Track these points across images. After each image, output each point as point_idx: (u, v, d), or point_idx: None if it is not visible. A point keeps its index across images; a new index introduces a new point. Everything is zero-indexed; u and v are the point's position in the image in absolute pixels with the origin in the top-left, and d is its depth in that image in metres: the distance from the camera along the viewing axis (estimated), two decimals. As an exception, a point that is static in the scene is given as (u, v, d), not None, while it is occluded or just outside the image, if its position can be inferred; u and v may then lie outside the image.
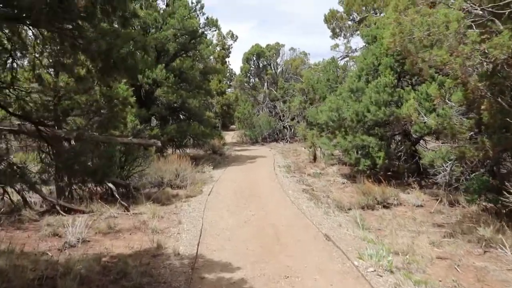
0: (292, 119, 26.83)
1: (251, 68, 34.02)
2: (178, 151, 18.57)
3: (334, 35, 16.38)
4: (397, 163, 11.32)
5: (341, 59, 16.14)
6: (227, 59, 35.79)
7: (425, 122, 8.04)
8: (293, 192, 9.97)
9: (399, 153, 11.56)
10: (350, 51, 16.17)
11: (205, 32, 16.49)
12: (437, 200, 9.39)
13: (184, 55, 16.08)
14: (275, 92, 30.76)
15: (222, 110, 27.94)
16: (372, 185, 9.45)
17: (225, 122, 38.30)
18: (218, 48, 32.15)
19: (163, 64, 13.62)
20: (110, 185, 7.76)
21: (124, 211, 7.80)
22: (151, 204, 8.14)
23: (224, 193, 9.79)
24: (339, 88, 12.43)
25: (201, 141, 17.06)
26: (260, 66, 33.94)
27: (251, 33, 73.31)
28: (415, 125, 9.48)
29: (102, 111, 8.83)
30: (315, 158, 16.26)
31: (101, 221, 7.03)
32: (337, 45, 16.10)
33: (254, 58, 33.39)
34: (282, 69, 33.41)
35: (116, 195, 7.70)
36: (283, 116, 28.02)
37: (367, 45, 12.60)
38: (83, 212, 7.52)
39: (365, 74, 11.66)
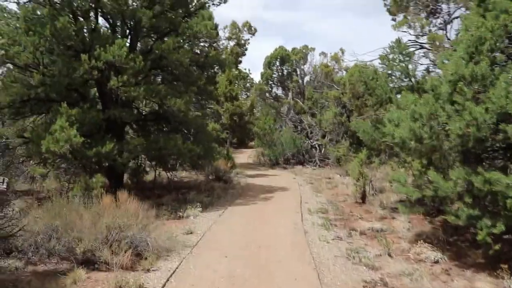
0: (323, 136, 21.11)
1: (274, 76, 28.77)
2: (168, 174, 13.26)
3: (395, 9, 10.61)
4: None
5: (410, 47, 10.40)
6: (242, 58, 29.76)
7: None
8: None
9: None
10: (422, 32, 10.43)
11: (206, 5, 11.37)
12: None
13: (171, 35, 10.85)
14: (302, 104, 25.20)
15: (231, 121, 21.92)
16: None
17: (243, 138, 32.75)
18: (231, 43, 26.80)
19: (124, 39, 8.32)
20: None
21: None
22: None
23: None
24: (430, 81, 6.75)
25: (195, 164, 11.69)
26: (285, 74, 28.66)
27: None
28: None
29: None
30: (363, 198, 10.50)
31: None
32: (406, 20, 10.33)
33: (278, 63, 28.09)
34: (311, 78, 27.94)
35: None
36: (311, 132, 22.33)
37: (480, 4, 6.94)
38: None
39: (487, 50, 6.00)
